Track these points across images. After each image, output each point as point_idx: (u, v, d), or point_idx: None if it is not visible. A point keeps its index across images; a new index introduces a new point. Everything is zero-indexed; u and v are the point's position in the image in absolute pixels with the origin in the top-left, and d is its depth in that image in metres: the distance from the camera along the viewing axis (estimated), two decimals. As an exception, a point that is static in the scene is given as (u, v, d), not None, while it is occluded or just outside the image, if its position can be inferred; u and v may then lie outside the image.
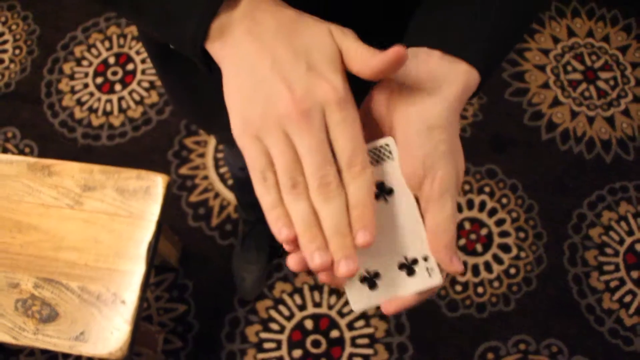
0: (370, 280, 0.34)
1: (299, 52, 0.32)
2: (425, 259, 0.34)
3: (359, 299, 0.35)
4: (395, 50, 0.31)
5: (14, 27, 1.72)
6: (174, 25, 0.34)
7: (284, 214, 0.32)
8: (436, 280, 0.34)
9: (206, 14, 0.32)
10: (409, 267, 0.34)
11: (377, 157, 0.35)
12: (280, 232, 0.32)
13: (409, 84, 0.35)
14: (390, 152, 0.35)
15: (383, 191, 0.35)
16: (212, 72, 0.36)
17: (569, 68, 1.62)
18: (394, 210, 0.35)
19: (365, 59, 0.32)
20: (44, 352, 1.34)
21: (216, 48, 0.33)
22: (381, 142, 0.35)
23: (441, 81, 0.34)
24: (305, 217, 0.31)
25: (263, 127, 0.31)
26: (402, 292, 0.34)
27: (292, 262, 0.33)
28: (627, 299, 1.38)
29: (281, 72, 0.31)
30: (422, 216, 0.35)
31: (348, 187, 0.32)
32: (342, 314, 1.35)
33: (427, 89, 0.34)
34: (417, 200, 0.35)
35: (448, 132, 0.34)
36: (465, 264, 1.40)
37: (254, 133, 0.32)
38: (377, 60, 0.32)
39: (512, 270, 1.40)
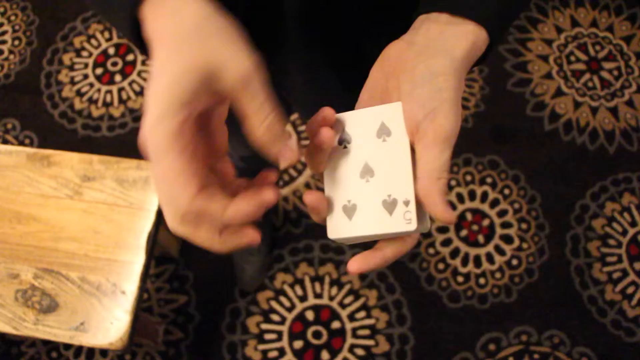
0: (350, 210, 0.35)
1: (150, 76, 0.31)
2: (406, 204, 0.34)
3: (336, 227, 0.36)
4: (289, 160, 0.33)
5: (12, 17, 1.71)
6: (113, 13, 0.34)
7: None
8: (411, 227, 0.33)
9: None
10: (389, 207, 0.34)
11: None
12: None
13: (418, 44, 0.35)
14: (397, 120, 0.35)
15: (383, 132, 0.35)
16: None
17: (572, 58, 1.60)
18: (388, 151, 0.35)
19: (263, 137, 0.32)
20: (45, 343, 1.34)
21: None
22: (390, 105, 0.35)
23: (449, 40, 0.35)
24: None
25: None
26: (377, 230, 0.34)
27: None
28: (630, 290, 1.37)
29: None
30: (414, 162, 0.34)
31: None
32: (343, 305, 1.35)
33: (435, 46, 0.35)
34: (412, 146, 0.35)
35: (452, 83, 0.34)
36: (466, 254, 1.40)
37: None
38: (272, 152, 0.33)
39: (514, 262, 1.39)
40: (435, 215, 0.33)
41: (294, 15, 0.49)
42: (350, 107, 0.38)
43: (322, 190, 0.36)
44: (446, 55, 0.34)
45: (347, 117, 0.36)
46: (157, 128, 0.29)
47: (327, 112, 0.35)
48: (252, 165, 1.02)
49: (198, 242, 0.32)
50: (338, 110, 0.37)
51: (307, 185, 1.46)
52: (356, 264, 0.35)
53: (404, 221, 0.33)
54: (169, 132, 0.29)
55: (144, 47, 0.34)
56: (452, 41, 0.35)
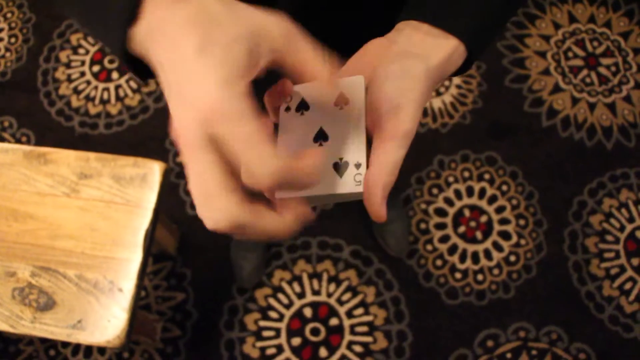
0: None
1: (176, 62, 0.29)
2: (357, 167, 0.35)
3: None
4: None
5: (9, 15, 1.70)
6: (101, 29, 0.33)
7: None
8: (360, 189, 0.34)
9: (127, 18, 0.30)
10: (340, 169, 0.35)
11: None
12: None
13: (400, 45, 0.37)
14: (360, 92, 0.36)
15: (341, 101, 0.36)
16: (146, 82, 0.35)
17: (570, 54, 1.60)
18: (344, 118, 0.36)
19: (320, 79, 0.32)
20: (43, 341, 1.34)
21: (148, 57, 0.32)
22: (354, 77, 0.36)
23: (428, 48, 0.36)
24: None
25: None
26: (327, 190, 0.35)
27: None
28: (627, 286, 1.37)
29: (170, 95, 0.30)
30: (370, 148, 0.35)
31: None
32: (341, 302, 1.35)
33: (414, 51, 0.36)
34: (370, 136, 0.36)
35: (421, 86, 0.35)
36: (464, 251, 1.40)
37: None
38: (332, 89, 0.32)
39: (512, 258, 1.39)
40: (370, 207, 0.34)
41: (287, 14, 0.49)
42: None
43: None
44: (422, 61, 0.35)
45: (308, 87, 0.37)
46: (230, 92, 0.27)
47: (287, 83, 0.36)
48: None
49: (261, 225, 0.29)
50: None
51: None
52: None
53: (354, 183, 0.34)
54: (243, 94, 0.28)
55: (132, 61, 0.33)
56: (430, 50, 0.36)
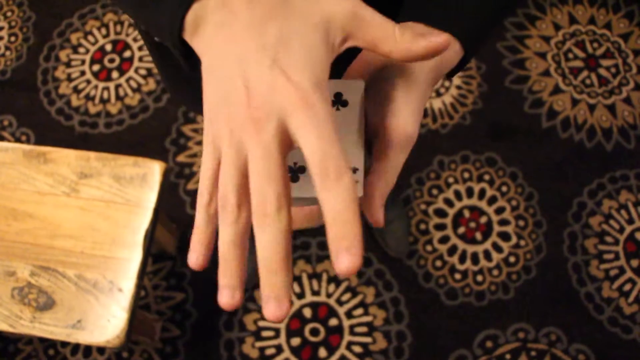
0: (294, 172, 0.34)
1: (267, 45, 0.28)
2: (354, 172, 0.34)
3: None
4: (445, 39, 0.30)
5: (9, 13, 1.70)
6: (152, 15, 0.32)
7: (201, 240, 0.29)
8: (359, 192, 0.33)
9: (179, 5, 0.30)
10: None
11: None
12: (189, 257, 0.29)
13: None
14: (357, 94, 0.35)
15: (338, 101, 0.35)
16: (194, 69, 0.33)
17: (570, 55, 1.60)
18: (341, 120, 0.35)
19: (403, 44, 0.30)
20: (42, 340, 1.33)
21: (194, 43, 0.31)
22: (353, 80, 0.36)
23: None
24: (225, 246, 0.27)
25: (219, 135, 0.28)
26: None
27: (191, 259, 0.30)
28: (627, 287, 1.37)
29: (245, 70, 0.28)
30: (371, 152, 0.35)
31: (324, 202, 0.26)
32: (340, 303, 1.35)
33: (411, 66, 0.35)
34: (370, 141, 0.35)
35: (419, 89, 0.35)
36: (464, 252, 1.40)
37: (212, 140, 0.29)
38: (422, 47, 0.30)
39: (512, 259, 1.39)
40: (368, 212, 0.33)
41: None
42: None
43: None
44: (417, 63, 0.35)
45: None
46: (320, 93, 0.27)
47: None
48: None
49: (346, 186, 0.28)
50: None
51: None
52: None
53: None
54: (326, 91, 0.28)
55: (184, 47, 0.32)
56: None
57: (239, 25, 0.29)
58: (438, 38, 0.30)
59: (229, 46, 0.29)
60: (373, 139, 0.35)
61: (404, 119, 0.34)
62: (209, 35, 0.30)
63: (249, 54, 0.28)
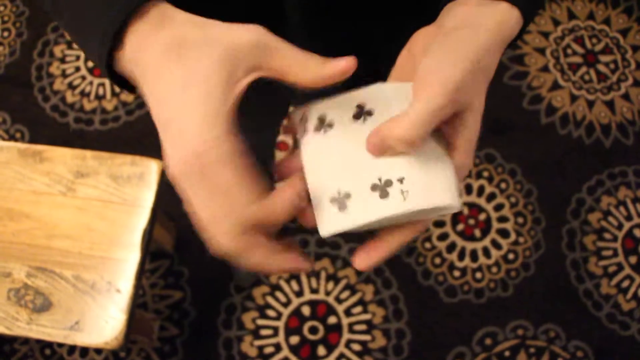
0: (341, 201, 0.32)
1: (161, 100, 0.30)
2: (401, 181, 0.31)
3: (328, 221, 0.32)
4: (351, 60, 0.30)
5: (1, 8, 1.67)
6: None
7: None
8: (410, 204, 0.31)
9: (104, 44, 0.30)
10: (382, 189, 0.31)
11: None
12: None
13: (447, 26, 0.33)
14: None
15: (363, 111, 0.33)
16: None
17: (569, 51, 1.60)
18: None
19: (312, 69, 0.31)
20: (39, 340, 1.32)
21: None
22: (404, 83, 0.33)
23: (478, 17, 0.33)
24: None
25: None
26: (373, 216, 0.31)
27: None
28: (625, 284, 1.37)
29: (160, 128, 0.30)
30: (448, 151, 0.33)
31: None
32: (339, 300, 1.35)
33: (464, 28, 0.33)
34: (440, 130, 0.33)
35: (482, 67, 0.32)
36: (463, 249, 1.39)
37: None
38: (330, 70, 0.30)
39: (511, 256, 1.39)
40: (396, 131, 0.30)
41: (295, 12, 0.48)
42: None
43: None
44: (474, 29, 0.32)
45: (325, 103, 0.34)
46: (215, 132, 0.28)
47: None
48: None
49: (254, 259, 0.30)
50: None
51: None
52: (363, 261, 0.33)
53: (402, 200, 0.31)
54: (228, 132, 0.29)
55: (116, 78, 0.33)
56: (480, 19, 0.33)
57: (149, 75, 0.30)
58: (342, 61, 0.30)
59: (146, 96, 0.31)
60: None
61: (481, 100, 0.32)
62: (135, 75, 0.31)
63: (153, 110, 0.30)
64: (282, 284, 1.36)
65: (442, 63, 0.31)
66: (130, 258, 0.94)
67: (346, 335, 1.32)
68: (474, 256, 1.39)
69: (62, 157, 1.00)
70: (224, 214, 0.29)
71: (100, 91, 1.56)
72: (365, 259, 0.33)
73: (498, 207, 1.43)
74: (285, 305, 1.34)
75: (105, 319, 0.91)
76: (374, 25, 0.50)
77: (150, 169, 0.99)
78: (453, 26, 0.33)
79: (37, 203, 0.98)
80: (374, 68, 0.41)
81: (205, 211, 0.29)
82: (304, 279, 1.36)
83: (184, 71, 0.29)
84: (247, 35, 0.30)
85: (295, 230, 1.40)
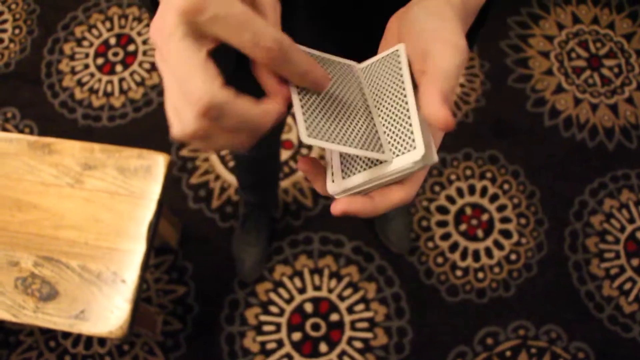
0: (347, 161, 0.34)
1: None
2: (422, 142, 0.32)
3: (337, 182, 0.34)
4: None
5: (13, 6, 1.70)
6: None
7: None
8: (413, 161, 0.31)
9: None
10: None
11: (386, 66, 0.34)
12: None
13: (417, 2, 0.35)
14: (398, 60, 0.33)
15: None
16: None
17: (573, 55, 1.61)
18: (390, 91, 0.33)
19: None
20: (44, 332, 1.34)
21: None
22: (391, 49, 0.34)
23: None
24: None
25: None
26: (377, 172, 0.32)
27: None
28: (627, 286, 1.38)
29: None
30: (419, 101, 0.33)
31: None
32: (342, 298, 1.35)
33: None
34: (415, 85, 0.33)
35: (449, 17, 0.33)
36: (465, 249, 1.40)
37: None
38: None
39: (513, 256, 1.40)
40: (430, 115, 0.30)
41: (303, 5, 0.49)
42: None
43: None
44: (443, 3, 0.34)
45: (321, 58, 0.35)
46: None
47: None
48: (257, 153, 1.02)
49: (218, 143, 0.29)
50: None
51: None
52: (340, 205, 0.32)
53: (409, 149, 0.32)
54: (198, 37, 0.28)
55: None
56: None
57: None
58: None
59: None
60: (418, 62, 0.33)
61: (449, 36, 0.32)
62: None
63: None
64: (285, 280, 1.37)
65: (445, 36, 0.32)
66: (135, 249, 0.95)
67: (348, 333, 1.33)
68: (476, 256, 1.40)
69: (71, 150, 1.02)
70: (185, 90, 0.28)
71: (109, 88, 1.58)
72: (346, 204, 0.32)
73: (501, 208, 1.44)
74: (288, 301, 1.35)
75: (110, 309, 0.92)
76: (375, 4, 0.51)
77: (158, 162, 1.00)
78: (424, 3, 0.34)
79: (45, 194, 0.99)
80: (374, 47, 0.42)
81: (173, 81, 0.28)
82: (307, 276, 1.37)
83: None
84: None
85: (300, 228, 1.41)
